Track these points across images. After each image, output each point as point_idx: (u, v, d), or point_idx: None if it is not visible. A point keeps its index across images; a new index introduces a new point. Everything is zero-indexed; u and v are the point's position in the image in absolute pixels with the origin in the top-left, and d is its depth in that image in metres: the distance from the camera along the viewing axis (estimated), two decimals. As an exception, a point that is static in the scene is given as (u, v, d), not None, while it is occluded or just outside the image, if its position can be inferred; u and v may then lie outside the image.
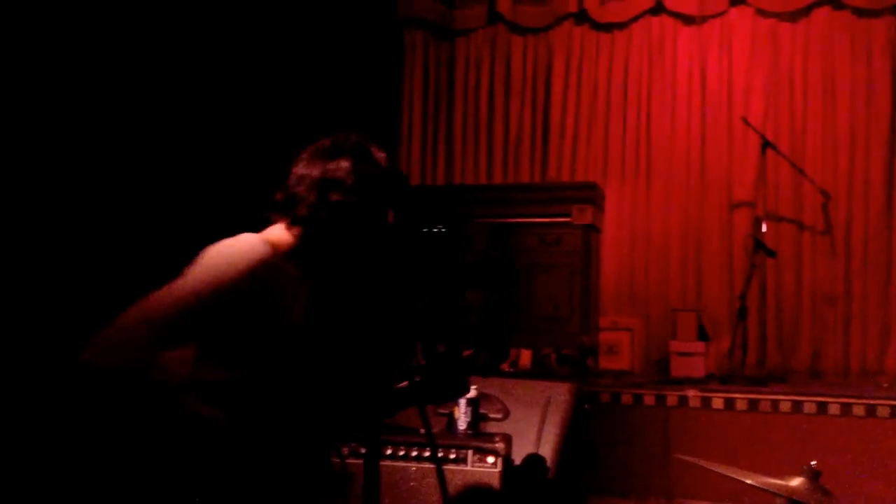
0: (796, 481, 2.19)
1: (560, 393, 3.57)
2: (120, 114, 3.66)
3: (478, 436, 3.06)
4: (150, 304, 1.79)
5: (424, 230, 5.72)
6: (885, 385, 5.37)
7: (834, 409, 4.74)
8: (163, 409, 1.78)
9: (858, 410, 4.70)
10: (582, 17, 6.70)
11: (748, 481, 2.18)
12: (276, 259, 1.96)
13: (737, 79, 6.40)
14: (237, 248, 1.91)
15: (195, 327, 1.81)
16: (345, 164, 1.99)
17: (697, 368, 5.64)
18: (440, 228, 5.69)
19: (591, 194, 5.67)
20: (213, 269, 1.86)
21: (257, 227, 2.03)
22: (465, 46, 7.00)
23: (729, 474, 2.24)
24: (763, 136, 5.91)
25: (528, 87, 6.84)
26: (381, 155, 2.07)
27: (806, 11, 6.27)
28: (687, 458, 2.43)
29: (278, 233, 2.02)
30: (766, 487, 2.17)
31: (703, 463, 2.36)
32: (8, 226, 3.00)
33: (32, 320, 3.05)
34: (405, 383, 2.15)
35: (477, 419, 3.13)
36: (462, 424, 3.09)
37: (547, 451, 3.29)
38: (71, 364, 1.73)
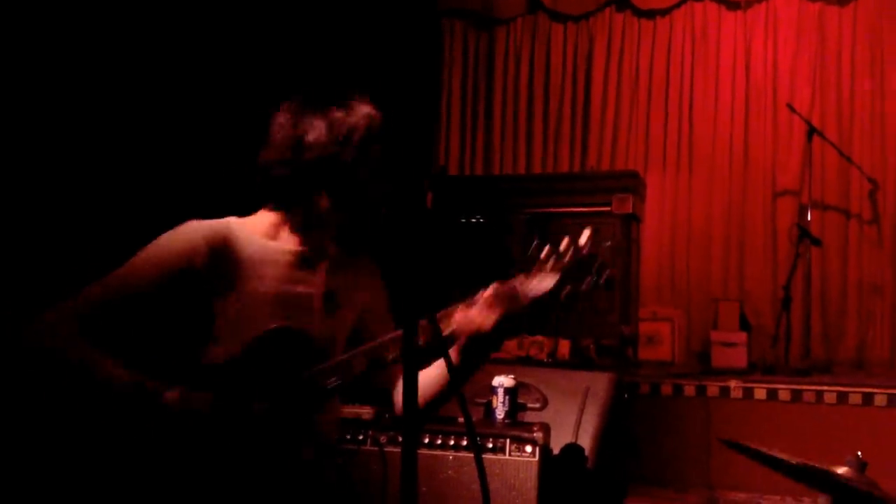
0: (841, 471, 2.14)
1: (599, 383, 3.54)
2: (141, 109, 3.69)
3: (516, 425, 3.04)
4: (88, 290, 1.79)
5: (462, 220, 5.71)
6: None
7: (880, 400, 4.66)
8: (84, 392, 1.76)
9: (906, 402, 4.61)
10: (623, 3, 6.64)
11: (794, 462, 2.14)
12: (235, 239, 1.86)
13: (782, 65, 6.29)
14: (173, 234, 1.85)
15: (130, 312, 1.79)
16: (282, 119, 1.88)
17: (739, 359, 5.57)
18: (478, 219, 5.68)
19: (631, 183, 5.62)
20: (146, 255, 1.83)
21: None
22: (505, 35, 6.96)
23: (774, 454, 2.20)
24: (809, 123, 5.81)
25: (569, 76, 6.79)
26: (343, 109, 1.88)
27: (854, -5, 6.16)
28: (734, 441, 2.38)
29: (261, 214, 1.95)
30: (809, 474, 2.13)
31: (750, 446, 2.31)
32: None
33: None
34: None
35: (515, 408, 3.11)
36: (500, 413, 3.08)
37: (585, 440, 3.26)
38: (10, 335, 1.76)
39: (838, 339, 5.97)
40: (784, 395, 4.85)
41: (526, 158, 6.85)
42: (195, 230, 1.85)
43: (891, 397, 4.65)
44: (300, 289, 1.92)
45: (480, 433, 2.91)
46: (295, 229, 1.94)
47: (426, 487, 2.82)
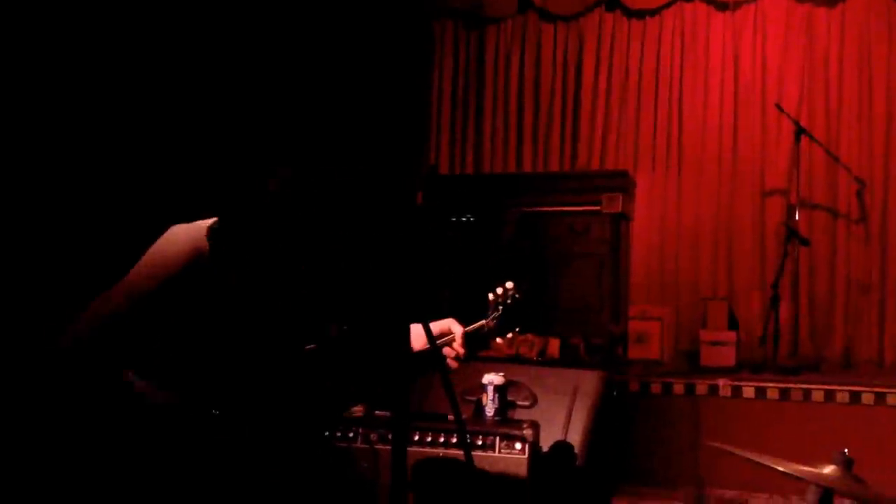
0: (828, 469, 2.16)
1: (588, 381, 3.56)
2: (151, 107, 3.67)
3: (505, 423, 3.05)
4: (106, 298, 1.80)
5: (453, 219, 5.72)
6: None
7: (867, 398, 4.69)
8: (120, 400, 1.77)
9: (892, 400, 4.64)
10: (613, 3, 6.65)
11: (780, 468, 2.16)
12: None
13: (771, 65, 6.32)
14: (181, 234, 1.90)
15: (148, 317, 1.81)
16: None
17: (728, 358, 5.60)
18: (469, 218, 5.69)
19: (621, 183, 5.64)
20: (150, 261, 1.85)
21: None
22: (496, 35, 6.97)
23: (760, 461, 2.21)
24: (797, 123, 5.83)
25: (559, 75, 6.81)
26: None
27: (842, -4, 6.18)
28: (718, 445, 2.41)
29: None
30: (797, 474, 2.15)
31: (734, 450, 2.33)
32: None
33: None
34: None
35: (505, 406, 3.13)
36: (490, 411, 3.09)
37: (575, 438, 3.28)
38: (48, 354, 1.76)
39: (826, 338, 6.00)
40: (772, 393, 4.87)
41: (516, 157, 6.86)
42: (188, 237, 1.90)
43: (878, 396, 4.68)
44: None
45: (470, 430, 2.92)
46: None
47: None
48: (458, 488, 2.82)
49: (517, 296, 2.46)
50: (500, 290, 2.47)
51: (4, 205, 2.99)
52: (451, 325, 2.45)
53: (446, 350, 2.41)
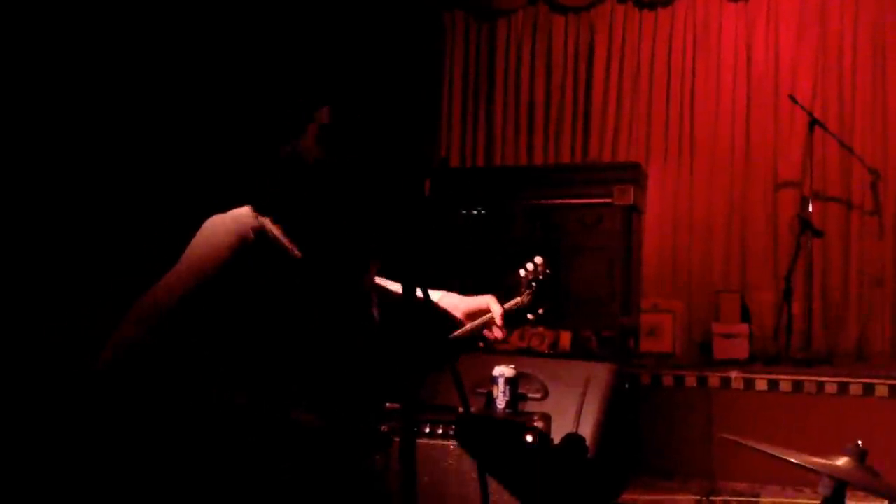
0: (842, 461, 2.14)
1: (600, 373, 3.54)
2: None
3: (517, 415, 3.04)
4: (149, 302, 1.70)
5: (463, 212, 5.71)
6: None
7: (881, 390, 4.66)
8: (187, 404, 1.69)
9: (907, 393, 4.61)
10: (624, -6, 6.63)
11: (792, 460, 2.14)
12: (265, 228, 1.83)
13: (784, 56, 6.28)
14: (221, 226, 1.79)
15: (201, 314, 1.72)
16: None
17: (740, 350, 5.57)
18: (479, 210, 5.68)
19: (633, 175, 5.61)
20: (199, 253, 1.75)
21: None
22: (507, 27, 6.95)
23: (773, 453, 2.20)
24: (811, 114, 5.80)
25: (570, 67, 6.78)
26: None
27: (856, -14, 6.13)
28: (731, 437, 2.39)
29: None
30: (810, 466, 2.13)
31: (746, 442, 2.32)
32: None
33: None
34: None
35: (516, 398, 3.12)
36: (501, 403, 3.08)
37: (586, 431, 3.27)
38: (84, 375, 1.69)
39: (839, 331, 5.97)
40: (785, 385, 4.85)
41: (527, 150, 6.84)
42: (236, 222, 1.81)
43: (891, 388, 4.66)
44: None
45: (481, 423, 2.91)
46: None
47: (427, 477, 2.82)
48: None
49: (548, 271, 2.41)
50: (530, 267, 2.40)
51: (27, 204, 3.00)
52: (489, 303, 2.34)
53: (485, 332, 2.35)
